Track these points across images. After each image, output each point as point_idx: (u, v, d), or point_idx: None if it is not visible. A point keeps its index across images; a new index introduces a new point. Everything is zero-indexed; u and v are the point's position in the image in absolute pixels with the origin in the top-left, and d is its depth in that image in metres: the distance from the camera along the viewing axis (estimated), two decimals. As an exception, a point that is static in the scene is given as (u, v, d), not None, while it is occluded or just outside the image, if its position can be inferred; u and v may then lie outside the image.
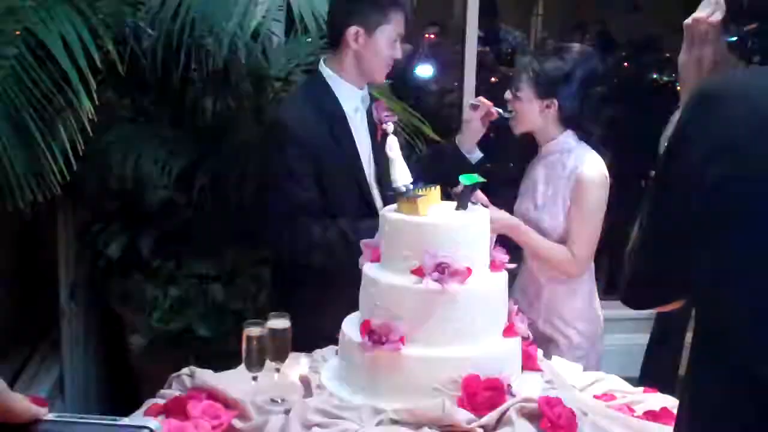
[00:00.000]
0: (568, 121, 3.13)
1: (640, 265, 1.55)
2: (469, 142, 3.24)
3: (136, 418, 0.83)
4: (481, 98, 3.25)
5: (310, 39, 3.98)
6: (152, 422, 0.75)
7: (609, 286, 5.95)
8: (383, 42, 2.97)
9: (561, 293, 3.16)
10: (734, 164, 1.35)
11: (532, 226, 3.10)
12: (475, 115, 3.20)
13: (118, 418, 0.85)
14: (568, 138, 3.14)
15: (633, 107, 6.33)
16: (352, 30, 2.96)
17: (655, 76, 6.58)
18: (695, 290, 1.48)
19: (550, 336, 3.12)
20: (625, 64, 6.70)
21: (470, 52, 5.18)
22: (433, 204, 2.47)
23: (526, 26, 8.43)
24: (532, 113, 3.12)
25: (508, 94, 3.17)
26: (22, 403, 0.69)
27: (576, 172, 3.06)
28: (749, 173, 1.34)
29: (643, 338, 5.23)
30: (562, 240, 3.08)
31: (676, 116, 1.51)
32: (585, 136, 3.15)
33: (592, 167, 3.07)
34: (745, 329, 1.40)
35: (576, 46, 3.15)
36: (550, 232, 3.09)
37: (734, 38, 1.55)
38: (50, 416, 0.76)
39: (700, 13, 1.60)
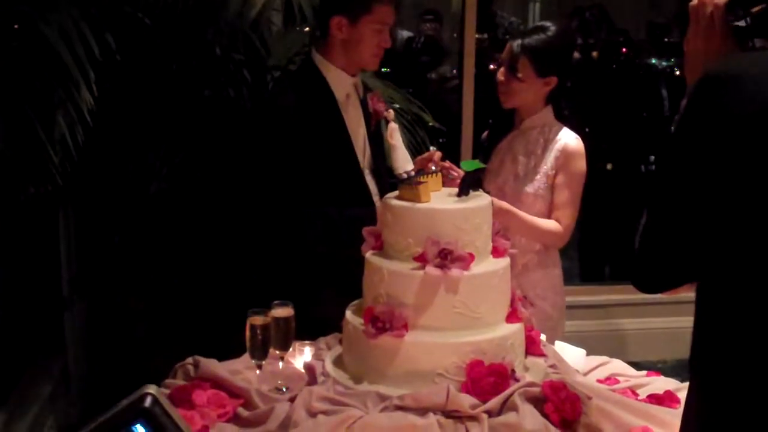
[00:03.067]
0: (555, 96, 3.25)
1: (651, 248, 1.55)
2: None
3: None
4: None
5: (308, 28, 3.98)
6: (151, 387, 0.81)
7: (616, 271, 5.98)
8: (367, 32, 2.97)
9: (533, 265, 3.25)
10: (750, 145, 1.35)
11: (511, 197, 3.17)
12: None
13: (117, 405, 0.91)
14: (549, 113, 3.25)
15: (632, 93, 6.33)
16: (336, 20, 2.97)
17: (653, 61, 6.58)
18: (707, 270, 1.48)
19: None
20: (623, 49, 6.69)
21: (469, 39, 5.18)
22: (434, 190, 2.48)
23: (523, 12, 8.44)
24: (531, 92, 3.20)
25: (501, 76, 3.21)
26: None
27: (561, 143, 3.19)
28: (760, 155, 1.34)
29: (647, 323, 5.25)
30: (542, 210, 3.18)
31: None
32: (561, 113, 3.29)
33: (575, 140, 3.21)
34: (760, 308, 1.40)
35: (556, 23, 3.21)
36: (530, 203, 3.17)
37: (740, 20, 1.55)
38: None
39: None
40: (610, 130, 6.33)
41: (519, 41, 3.15)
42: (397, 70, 6.00)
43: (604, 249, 6.19)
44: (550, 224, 3.16)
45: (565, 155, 3.16)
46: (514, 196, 3.18)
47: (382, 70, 5.35)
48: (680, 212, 1.46)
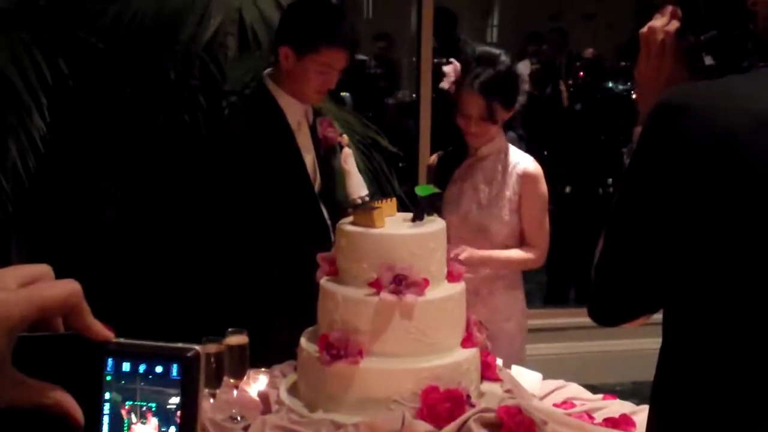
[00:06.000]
0: (509, 124, 3.26)
1: (608, 279, 1.53)
2: None
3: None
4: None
5: (262, 51, 3.98)
6: (196, 346, 0.77)
7: (582, 294, 6.01)
8: (311, 68, 2.94)
9: (499, 288, 3.23)
10: (705, 174, 1.35)
11: (476, 226, 3.16)
12: None
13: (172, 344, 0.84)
14: (502, 138, 3.24)
15: (590, 116, 6.40)
16: (283, 50, 2.96)
17: (610, 85, 6.65)
18: (667, 298, 1.47)
19: (490, 332, 3.13)
20: (581, 74, 6.77)
21: (425, 62, 5.19)
22: (389, 215, 2.47)
23: (482, 37, 8.50)
24: (498, 128, 3.18)
25: (474, 127, 3.12)
26: (98, 325, 0.74)
27: (521, 168, 3.18)
28: (717, 182, 1.34)
29: (603, 346, 5.27)
30: (509, 235, 3.17)
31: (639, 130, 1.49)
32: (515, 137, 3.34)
33: (533, 163, 3.21)
34: (721, 335, 1.39)
35: (499, 51, 3.18)
36: (496, 230, 3.16)
37: (691, 47, 1.53)
38: (116, 340, 0.78)
39: (655, 22, 1.57)
40: (568, 153, 6.39)
41: (479, 83, 3.07)
42: (356, 95, 6.01)
43: (569, 272, 6.23)
44: (525, 254, 3.18)
45: (527, 180, 3.16)
46: (479, 225, 3.17)
47: (341, 94, 5.35)
48: (637, 244, 1.44)
